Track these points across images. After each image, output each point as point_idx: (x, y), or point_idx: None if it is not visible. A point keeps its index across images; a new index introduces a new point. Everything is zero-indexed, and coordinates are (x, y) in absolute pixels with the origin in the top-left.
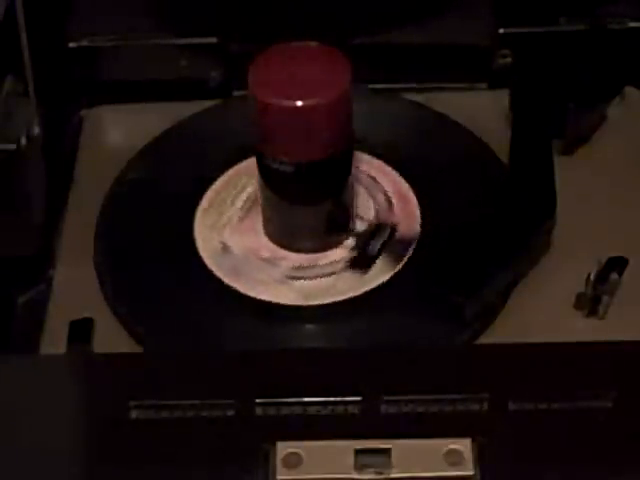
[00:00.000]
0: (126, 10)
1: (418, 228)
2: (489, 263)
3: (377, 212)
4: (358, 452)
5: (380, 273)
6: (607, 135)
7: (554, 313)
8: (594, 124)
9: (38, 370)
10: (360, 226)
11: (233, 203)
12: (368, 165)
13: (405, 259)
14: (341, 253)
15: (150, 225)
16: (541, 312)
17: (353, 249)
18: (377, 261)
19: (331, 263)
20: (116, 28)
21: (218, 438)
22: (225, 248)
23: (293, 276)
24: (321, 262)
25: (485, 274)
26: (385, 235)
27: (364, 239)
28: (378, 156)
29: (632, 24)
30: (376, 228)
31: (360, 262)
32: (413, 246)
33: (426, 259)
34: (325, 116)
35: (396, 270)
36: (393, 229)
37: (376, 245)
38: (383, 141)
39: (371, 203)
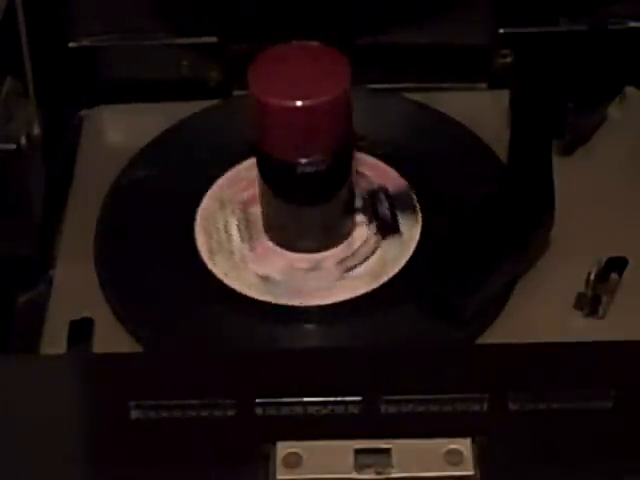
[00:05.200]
0: (126, 10)
1: (418, 228)
2: (488, 262)
3: (377, 212)
4: (358, 452)
5: (380, 273)
6: (607, 135)
7: (554, 313)
8: (594, 124)
9: (38, 370)
10: (360, 224)
11: (233, 203)
12: (368, 165)
13: (405, 259)
14: (340, 253)
15: (150, 225)
16: (541, 312)
17: (370, 223)
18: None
19: (331, 263)
20: (116, 28)
21: (218, 438)
22: (225, 248)
23: (293, 276)
24: (321, 262)
25: (484, 273)
26: (383, 198)
27: (371, 210)
28: (378, 156)
29: (632, 24)
30: (371, 196)
31: (387, 229)
32: (414, 246)
33: (425, 258)
34: (325, 116)
35: (395, 270)
36: (384, 189)
37: (384, 209)
38: (383, 141)
39: (370, 203)
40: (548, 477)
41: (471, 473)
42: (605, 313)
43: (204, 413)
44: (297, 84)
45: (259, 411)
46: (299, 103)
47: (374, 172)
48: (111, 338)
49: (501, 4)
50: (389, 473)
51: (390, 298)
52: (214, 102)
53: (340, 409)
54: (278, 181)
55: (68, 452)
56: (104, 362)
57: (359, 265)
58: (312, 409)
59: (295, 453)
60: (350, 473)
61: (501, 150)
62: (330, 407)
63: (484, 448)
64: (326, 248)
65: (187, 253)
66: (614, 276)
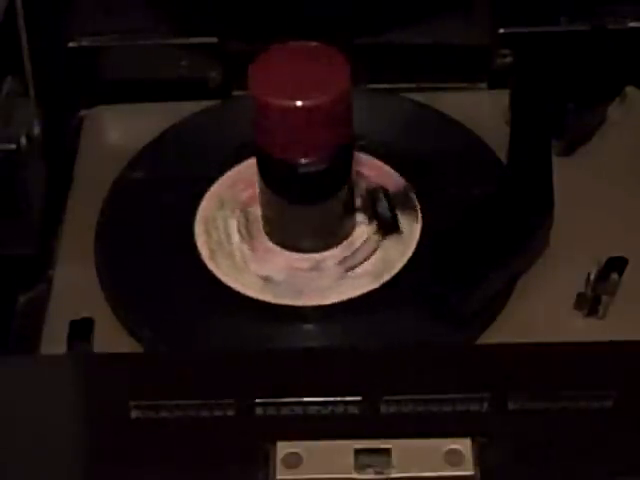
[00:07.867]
0: (126, 10)
1: (418, 228)
2: (487, 261)
3: (376, 212)
4: (358, 452)
5: (380, 273)
6: (607, 135)
7: (554, 313)
8: (594, 124)
9: (38, 370)
10: (360, 224)
11: (233, 203)
12: (368, 165)
13: (405, 259)
14: (340, 253)
15: (150, 225)
16: (541, 312)
17: (370, 222)
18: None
19: (331, 263)
20: (116, 28)
21: (218, 438)
22: (225, 248)
23: (293, 276)
24: (321, 262)
25: (483, 272)
26: (382, 197)
27: (371, 209)
28: (378, 156)
29: (632, 24)
30: (371, 195)
31: (387, 228)
32: (414, 246)
33: (425, 258)
34: (325, 116)
35: (395, 270)
36: (383, 188)
37: (383, 208)
38: (383, 141)
39: (370, 202)
40: (548, 477)
41: (471, 473)
42: (605, 313)
43: (204, 413)
44: (297, 84)
45: (259, 411)
46: (299, 103)
47: (374, 172)
48: (111, 338)
49: (501, 4)
50: (389, 473)
51: (390, 298)
52: (214, 102)
53: (340, 409)
54: (278, 181)
55: (68, 452)
56: (104, 362)
57: (359, 265)
58: (312, 409)
59: (295, 453)
60: (350, 473)
61: (501, 150)
62: (330, 407)
63: (484, 448)
64: (326, 248)
65: (187, 253)
66: (614, 276)
